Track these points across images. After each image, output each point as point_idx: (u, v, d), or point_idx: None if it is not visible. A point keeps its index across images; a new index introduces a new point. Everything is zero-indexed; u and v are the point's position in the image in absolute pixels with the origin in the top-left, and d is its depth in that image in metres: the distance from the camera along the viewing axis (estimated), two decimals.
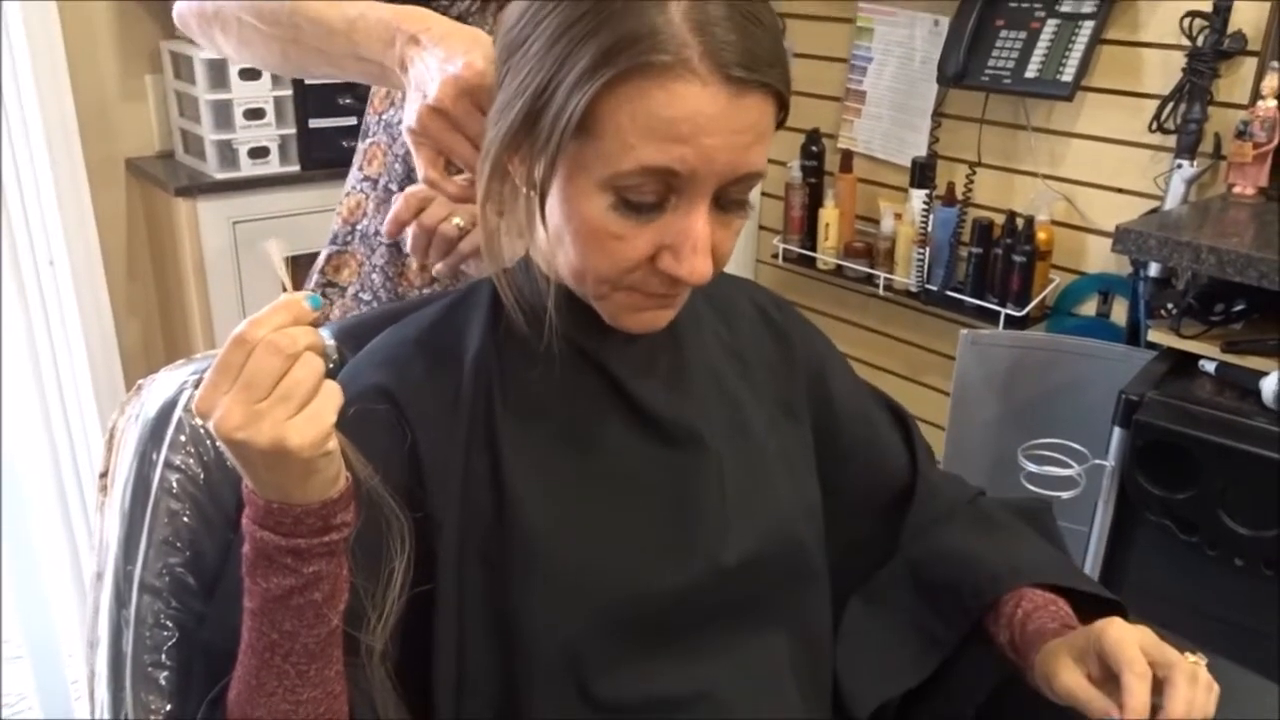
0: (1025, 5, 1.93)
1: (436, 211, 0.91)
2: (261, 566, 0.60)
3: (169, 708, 0.74)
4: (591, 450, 0.74)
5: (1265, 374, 1.38)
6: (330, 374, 0.59)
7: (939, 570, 0.86)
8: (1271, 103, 1.60)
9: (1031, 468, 1.56)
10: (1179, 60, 1.74)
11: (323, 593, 0.62)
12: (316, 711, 0.65)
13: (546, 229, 0.68)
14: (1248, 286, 1.37)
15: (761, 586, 0.77)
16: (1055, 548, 0.91)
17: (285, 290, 0.60)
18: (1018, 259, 1.94)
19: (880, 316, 2.34)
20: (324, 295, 1.15)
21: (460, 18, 0.99)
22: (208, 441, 0.78)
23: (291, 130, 2.07)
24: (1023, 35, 1.91)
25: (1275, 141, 1.61)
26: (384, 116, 1.12)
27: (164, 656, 0.74)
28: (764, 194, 2.45)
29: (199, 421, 0.78)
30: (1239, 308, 1.47)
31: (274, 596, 0.61)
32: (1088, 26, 1.84)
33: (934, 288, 2.09)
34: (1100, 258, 1.95)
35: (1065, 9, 1.88)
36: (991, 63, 1.94)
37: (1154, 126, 1.80)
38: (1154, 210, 1.79)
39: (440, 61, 0.72)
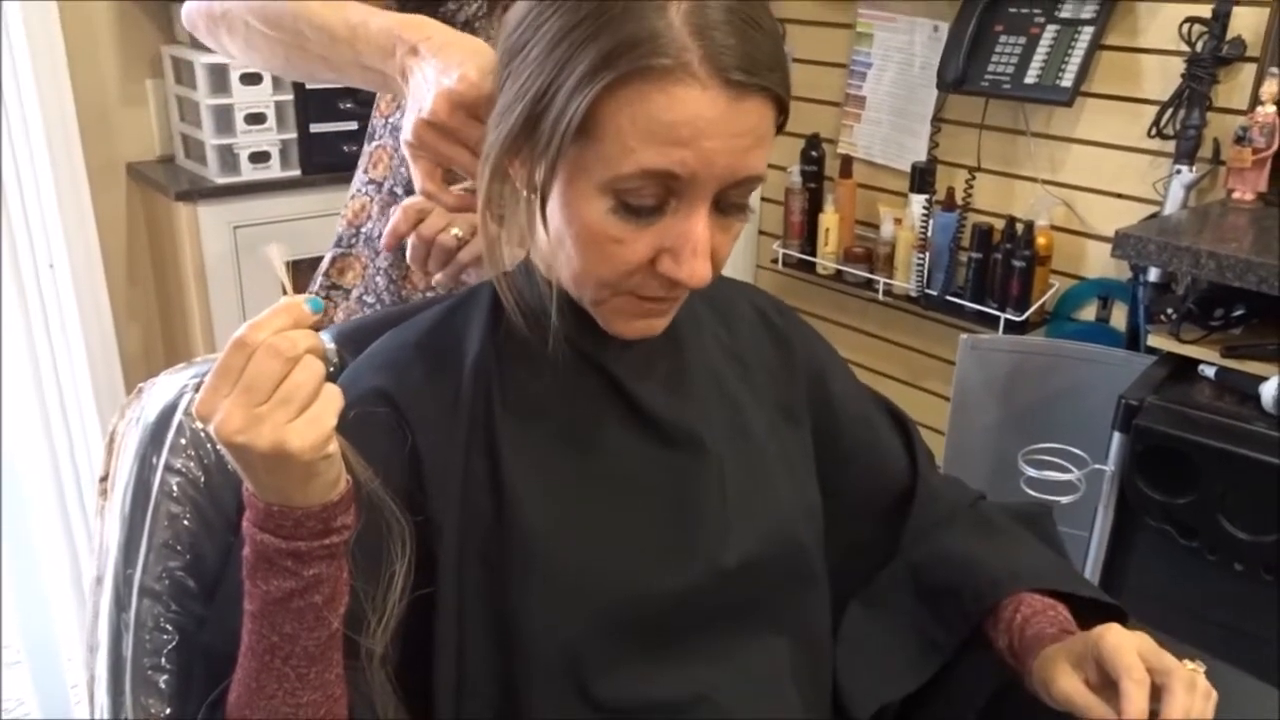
0: (1025, 11, 1.93)
1: (435, 222, 0.91)
2: (262, 569, 0.60)
3: (169, 711, 0.74)
4: (591, 452, 0.74)
5: (1265, 379, 1.38)
6: (330, 377, 0.59)
7: (939, 574, 0.86)
8: (1270, 108, 1.60)
9: (1031, 472, 1.56)
10: (1178, 66, 1.75)
11: (323, 595, 0.62)
12: (316, 714, 0.65)
13: (547, 232, 0.68)
14: (1247, 291, 1.37)
15: (761, 589, 0.78)
16: (1055, 552, 0.91)
17: (286, 293, 0.60)
18: (1017, 264, 1.94)
19: (880, 321, 2.34)
20: (328, 298, 1.15)
21: (468, 22, 1.00)
22: (208, 445, 0.78)
23: (292, 135, 2.08)
24: (1022, 41, 1.92)
25: (1274, 147, 1.61)
26: (390, 120, 1.13)
27: (164, 660, 0.74)
28: (764, 199, 2.45)
29: (199, 425, 0.78)
30: (1238, 313, 1.47)
31: (274, 599, 0.61)
32: (1087, 32, 1.84)
33: (934, 293, 2.09)
34: (1100, 263, 1.95)
35: (1065, 14, 1.88)
36: (991, 68, 1.94)
37: (1153, 132, 1.80)
38: (1153, 215, 1.79)
39: (437, 73, 0.73)
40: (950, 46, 1.98)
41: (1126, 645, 0.69)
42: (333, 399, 0.58)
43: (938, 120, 2.12)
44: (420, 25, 0.77)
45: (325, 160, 2.09)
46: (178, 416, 0.79)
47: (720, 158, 0.62)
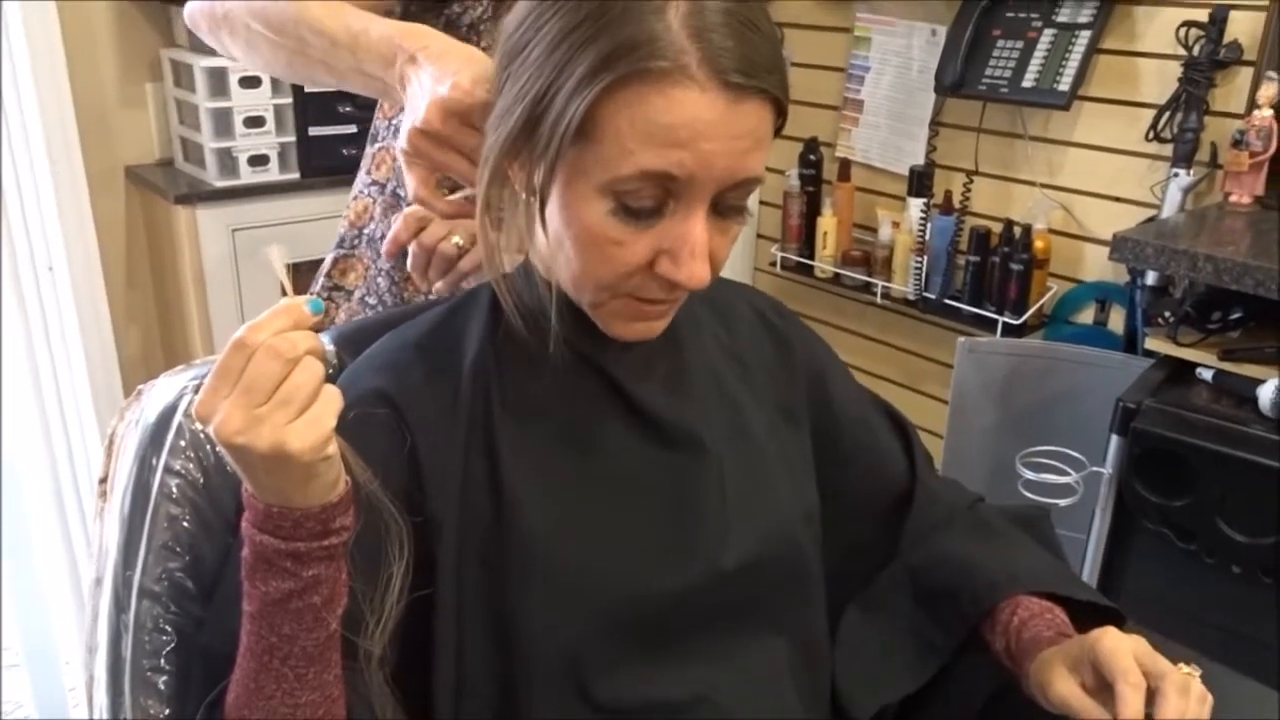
0: (1022, 15, 1.94)
1: (435, 231, 0.91)
2: (261, 570, 0.61)
3: (168, 712, 0.74)
4: (591, 452, 0.75)
5: (1262, 382, 1.38)
6: (329, 379, 0.59)
7: (937, 577, 0.87)
8: (1267, 112, 1.61)
9: (1029, 475, 1.56)
10: (1175, 70, 1.75)
11: (322, 596, 0.62)
12: (315, 715, 0.65)
13: (546, 235, 0.68)
14: (1244, 294, 1.38)
15: (761, 589, 0.78)
16: (1053, 555, 0.91)
17: (286, 295, 0.60)
18: (1015, 267, 1.95)
19: (878, 325, 2.35)
20: (330, 299, 1.15)
21: (473, 25, 1.00)
22: (207, 446, 0.78)
23: (291, 138, 2.08)
24: (1020, 45, 1.92)
25: (1271, 150, 1.61)
26: (393, 122, 1.13)
27: (163, 661, 0.74)
28: (762, 202, 2.46)
29: (199, 426, 0.78)
30: (1236, 316, 1.47)
31: (273, 600, 0.61)
32: (1084, 36, 1.85)
33: (932, 296, 2.09)
34: (1097, 266, 1.96)
35: (1062, 19, 1.89)
36: (989, 72, 1.94)
37: (1151, 136, 1.80)
38: (1151, 219, 1.80)
39: (431, 81, 0.73)
40: (948, 50, 1.99)
41: (1122, 649, 0.69)
42: (332, 400, 0.58)
43: (935, 124, 2.12)
44: (420, 34, 0.78)
45: (324, 163, 2.10)
46: (177, 418, 0.79)
47: (719, 159, 0.63)
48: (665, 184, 0.63)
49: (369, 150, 1.16)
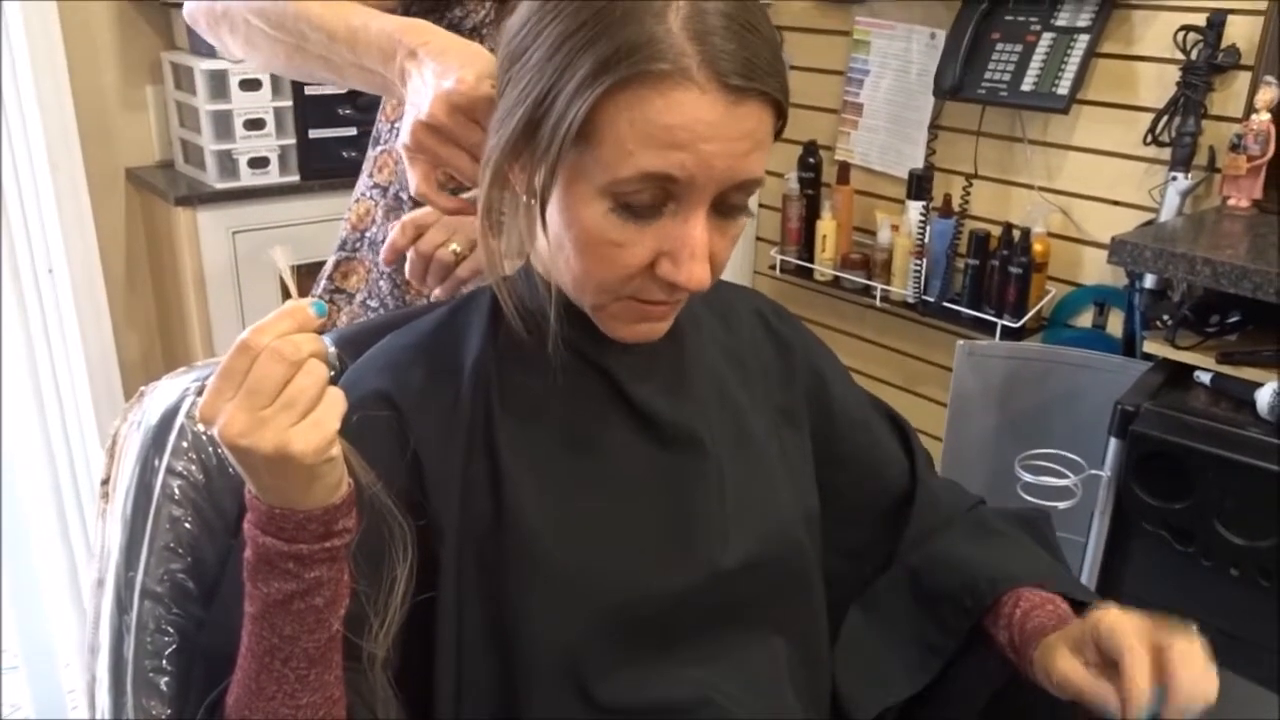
0: (1021, 19, 1.94)
1: (433, 238, 0.91)
2: (263, 571, 0.61)
3: (169, 713, 0.74)
4: (591, 453, 0.75)
5: (1260, 385, 1.38)
6: (332, 381, 0.59)
7: (938, 577, 0.87)
8: (1265, 116, 1.61)
9: (1028, 478, 1.56)
10: (1173, 74, 1.76)
11: (324, 598, 0.62)
12: (315, 715, 0.65)
13: (547, 238, 0.69)
14: (1242, 298, 1.38)
15: (760, 590, 0.78)
16: (1052, 557, 0.91)
17: (290, 296, 0.60)
18: (1014, 270, 1.95)
19: (877, 327, 2.35)
20: (331, 301, 1.15)
21: (475, 29, 1.00)
22: (210, 448, 0.79)
23: (291, 140, 2.08)
24: (1018, 49, 1.93)
25: (1269, 154, 1.62)
26: (395, 125, 1.13)
27: (165, 662, 0.74)
28: (761, 205, 2.46)
29: (201, 428, 0.79)
30: (1234, 319, 1.47)
31: (275, 601, 0.61)
32: (1083, 40, 1.85)
33: (931, 299, 2.10)
34: (1096, 269, 1.96)
35: (1061, 23, 1.89)
36: (988, 75, 1.95)
37: (1149, 139, 1.81)
38: (1149, 222, 1.80)
39: (435, 77, 0.73)
40: (947, 54, 1.99)
41: (1124, 624, 0.69)
42: (336, 403, 0.59)
43: (935, 127, 2.13)
44: (420, 29, 0.78)
45: (324, 166, 2.10)
46: (179, 420, 0.79)
47: (719, 161, 0.63)
48: (666, 185, 0.64)
49: (371, 153, 1.16)
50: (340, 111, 2.09)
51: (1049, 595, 0.82)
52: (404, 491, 0.70)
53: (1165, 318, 1.53)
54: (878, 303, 2.20)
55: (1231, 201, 1.66)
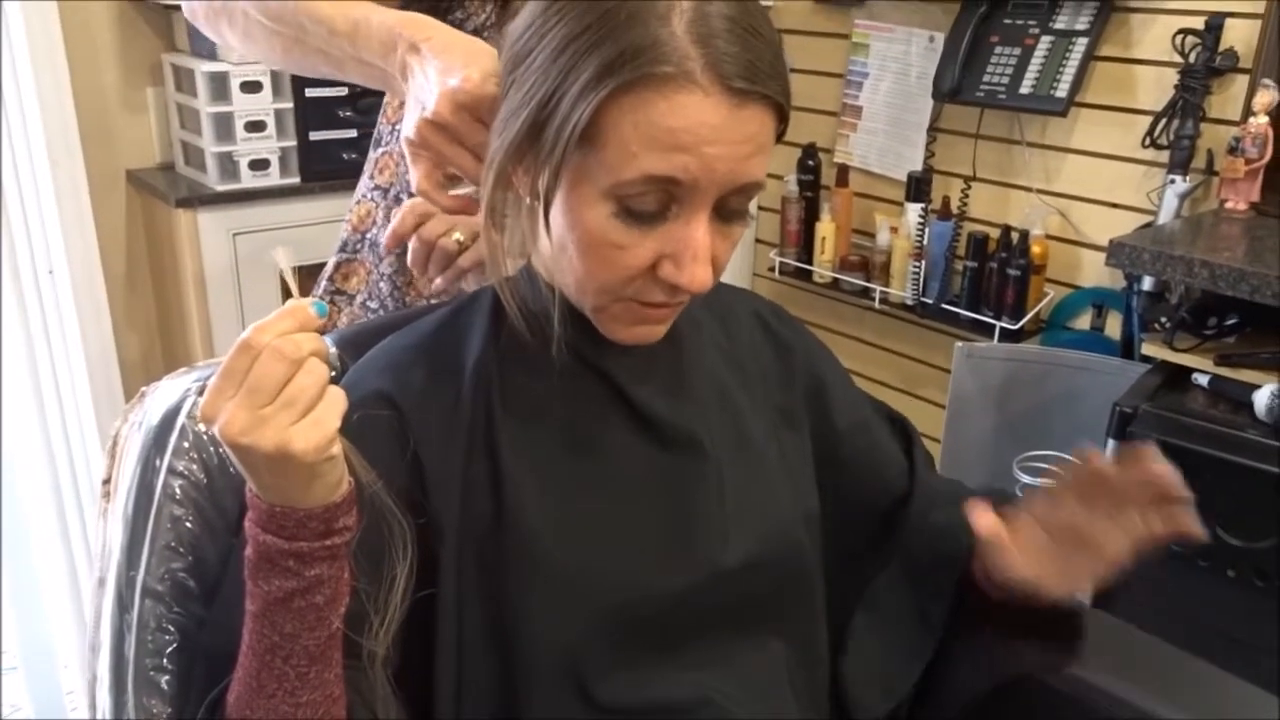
0: (1020, 22, 1.95)
1: (437, 226, 0.91)
2: (264, 569, 0.61)
3: (170, 711, 0.74)
4: (591, 454, 0.75)
5: (1258, 387, 1.39)
6: (332, 381, 0.60)
7: (925, 549, 0.88)
8: (1263, 119, 1.62)
9: (1027, 480, 1.57)
10: (1172, 77, 1.76)
11: (324, 596, 0.62)
12: (316, 714, 0.65)
13: (550, 239, 0.69)
14: (1240, 300, 1.38)
15: (760, 590, 0.78)
16: None
17: (291, 296, 0.61)
18: (1012, 273, 1.95)
19: (876, 330, 2.35)
20: (332, 303, 1.15)
21: (477, 31, 1.00)
22: (211, 448, 0.79)
23: (292, 143, 2.08)
24: (1017, 52, 1.93)
25: (1267, 157, 1.62)
26: (396, 126, 1.13)
27: (166, 661, 0.74)
28: (761, 208, 2.46)
29: (202, 428, 0.79)
30: (1231, 321, 1.48)
31: (275, 599, 0.61)
32: (1081, 43, 1.86)
33: (929, 301, 2.10)
34: (1094, 271, 1.96)
35: (1059, 26, 1.90)
36: (986, 78, 1.95)
37: (1147, 142, 1.81)
38: (1147, 225, 1.81)
39: (439, 74, 0.73)
40: (946, 57, 2.00)
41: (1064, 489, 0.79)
42: (336, 401, 0.59)
43: (934, 130, 2.13)
44: (422, 24, 0.78)
45: (325, 168, 2.10)
46: (180, 420, 0.79)
47: (721, 164, 0.63)
48: (668, 188, 0.64)
49: (372, 155, 1.16)
50: (341, 114, 2.09)
51: None
52: (404, 491, 0.70)
53: (1163, 320, 1.54)
54: (876, 305, 2.20)
55: (1229, 204, 1.67)
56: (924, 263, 2.09)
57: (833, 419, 0.88)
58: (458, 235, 0.90)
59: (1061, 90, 1.86)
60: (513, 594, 0.71)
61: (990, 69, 1.95)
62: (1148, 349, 1.55)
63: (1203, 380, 1.47)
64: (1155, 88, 1.81)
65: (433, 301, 1.09)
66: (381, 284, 1.12)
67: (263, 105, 2.03)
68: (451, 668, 0.71)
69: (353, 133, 2.10)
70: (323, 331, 0.59)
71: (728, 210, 0.67)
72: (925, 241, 2.08)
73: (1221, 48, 1.70)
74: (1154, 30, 1.80)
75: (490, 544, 0.71)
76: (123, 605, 0.75)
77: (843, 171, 2.25)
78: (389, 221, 1.10)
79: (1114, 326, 1.94)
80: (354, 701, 0.68)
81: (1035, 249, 1.95)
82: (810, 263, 2.30)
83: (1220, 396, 1.45)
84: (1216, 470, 1.33)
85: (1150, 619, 1.05)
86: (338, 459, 0.60)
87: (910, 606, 0.87)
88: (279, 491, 0.59)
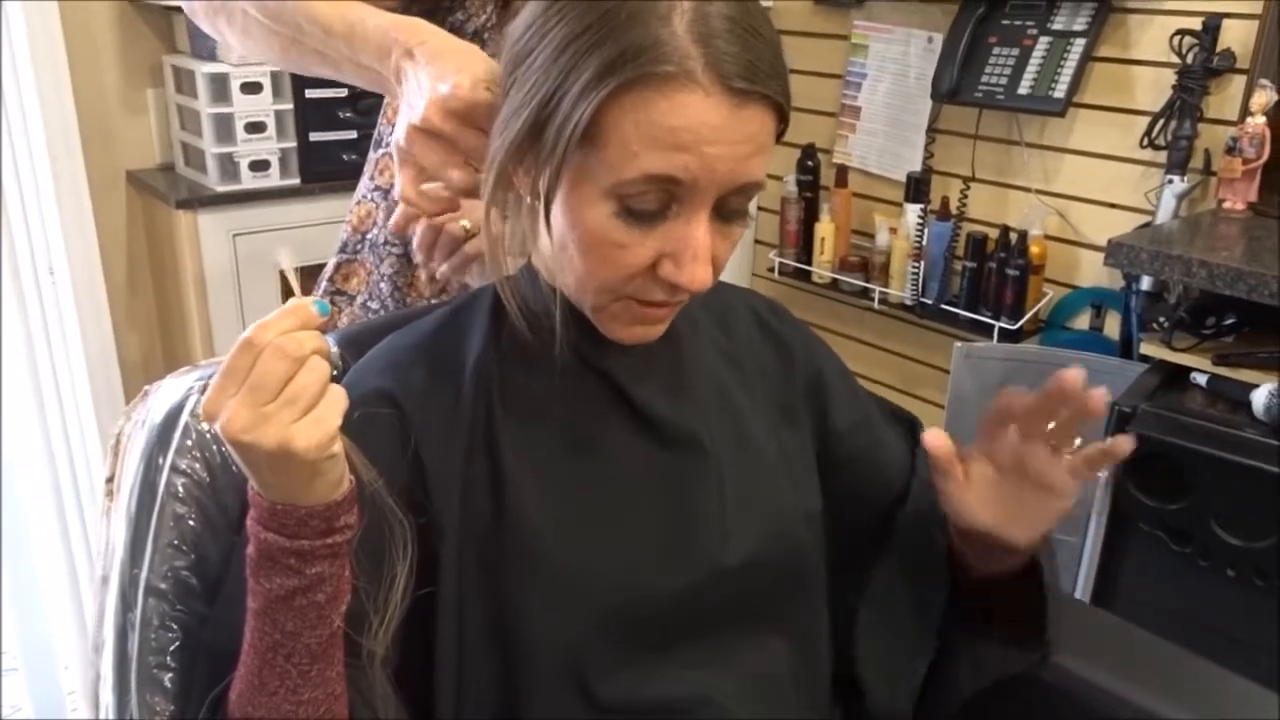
0: (1018, 23, 1.95)
1: None
2: (265, 567, 0.61)
3: (173, 709, 0.74)
4: (591, 453, 0.75)
5: (1256, 386, 1.39)
6: (334, 379, 0.60)
7: (915, 534, 0.88)
8: (1260, 119, 1.62)
9: None
10: (1169, 77, 1.77)
11: (325, 594, 0.62)
12: (317, 712, 0.65)
13: (550, 238, 0.69)
14: (1238, 300, 1.39)
15: (761, 589, 0.78)
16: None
17: (293, 295, 0.61)
18: (1011, 273, 1.96)
19: (875, 330, 2.36)
20: (332, 303, 1.16)
21: (477, 33, 1.00)
22: (214, 446, 0.79)
23: (292, 144, 2.09)
24: (1015, 52, 1.94)
25: (1264, 157, 1.63)
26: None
27: (169, 658, 0.74)
28: (760, 208, 2.47)
29: (205, 426, 0.79)
30: (1230, 321, 1.48)
31: (277, 597, 0.61)
32: (1079, 44, 1.86)
33: (928, 301, 2.10)
34: (1093, 271, 1.97)
35: (1057, 26, 1.90)
36: (985, 79, 1.96)
37: (1145, 142, 1.82)
38: (1146, 225, 1.81)
39: (431, 79, 0.73)
40: (945, 58, 2.00)
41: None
42: (338, 400, 0.59)
43: (932, 130, 2.14)
44: (417, 28, 0.78)
45: (325, 169, 2.10)
46: (183, 418, 0.79)
47: (721, 164, 0.63)
48: (669, 187, 0.64)
49: (372, 155, 1.16)
50: (341, 115, 2.09)
51: None
52: (405, 490, 0.70)
53: (1162, 320, 1.54)
54: (875, 305, 2.20)
55: (1227, 204, 1.67)
56: (923, 263, 2.09)
57: (833, 416, 0.88)
58: (465, 222, 0.90)
59: (1059, 91, 1.87)
60: (513, 593, 0.71)
61: (989, 70, 1.96)
62: (1146, 349, 1.55)
63: (1201, 380, 1.47)
64: (1153, 88, 1.82)
65: (433, 302, 1.10)
66: (382, 284, 1.13)
67: (263, 106, 2.03)
68: (452, 667, 0.71)
69: (353, 134, 2.10)
70: (324, 331, 0.60)
71: (728, 210, 0.67)
72: (924, 242, 2.08)
73: (1219, 48, 1.71)
74: (1152, 31, 1.81)
75: (491, 543, 0.72)
76: (126, 603, 0.76)
77: (842, 172, 2.26)
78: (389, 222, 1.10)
79: (1113, 326, 1.94)
80: (354, 700, 0.68)
81: (1034, 249, 1.95)
82: (809, 263, 2.30)
83: (1218, 396, 1.45)
84: (1215, 470, 1.33)
85: (1150, 619, 1.05)
86: (339, 457, 0.60)
87: (910, 597, 0.87)
88: (280, 489, 0.59)
